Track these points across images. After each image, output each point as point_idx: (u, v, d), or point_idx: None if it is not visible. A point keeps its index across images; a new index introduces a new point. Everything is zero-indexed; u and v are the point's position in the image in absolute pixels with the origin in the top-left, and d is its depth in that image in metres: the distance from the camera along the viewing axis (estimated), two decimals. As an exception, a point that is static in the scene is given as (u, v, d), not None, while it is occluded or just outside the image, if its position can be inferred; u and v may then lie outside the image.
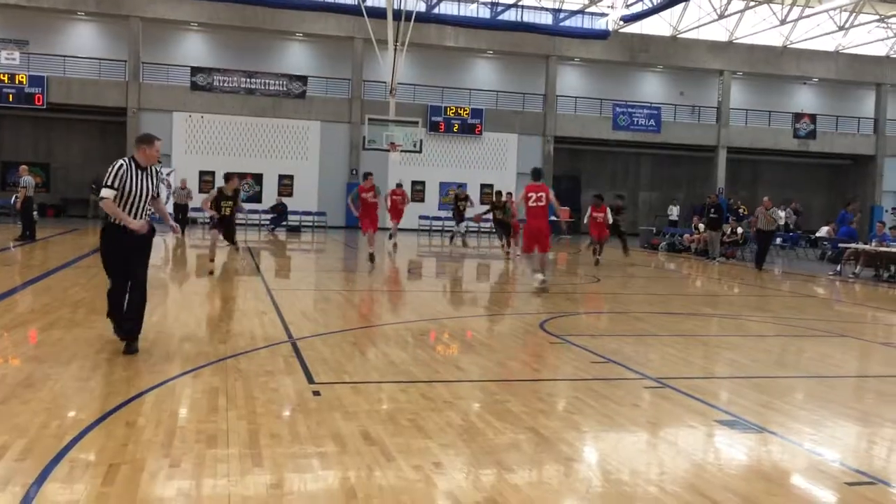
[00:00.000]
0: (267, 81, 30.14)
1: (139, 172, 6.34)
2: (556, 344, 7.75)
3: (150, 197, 6.43)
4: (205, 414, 4.84)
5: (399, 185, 22.32)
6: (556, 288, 12.70)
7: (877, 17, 32.20)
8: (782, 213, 30.45)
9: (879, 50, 34.98)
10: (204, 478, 3.79)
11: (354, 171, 30.83)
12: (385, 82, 26.64)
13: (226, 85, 29.73)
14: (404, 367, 6.43)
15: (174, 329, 7.68)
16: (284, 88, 30.27)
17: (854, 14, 31.86)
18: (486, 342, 7.79)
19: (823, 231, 24.76)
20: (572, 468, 4.20)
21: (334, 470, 4.00)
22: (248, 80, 29.95)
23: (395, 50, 24.80)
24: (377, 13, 25.27)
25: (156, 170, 6.58)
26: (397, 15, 24.42)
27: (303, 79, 30.54)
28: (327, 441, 4.39)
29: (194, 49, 31.44)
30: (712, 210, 21.74)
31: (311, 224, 29.63)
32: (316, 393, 5.45)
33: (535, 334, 8.36)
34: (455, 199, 24.08)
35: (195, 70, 29.66)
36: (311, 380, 5.82)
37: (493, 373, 6.41)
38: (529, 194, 11.82)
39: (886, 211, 34.91)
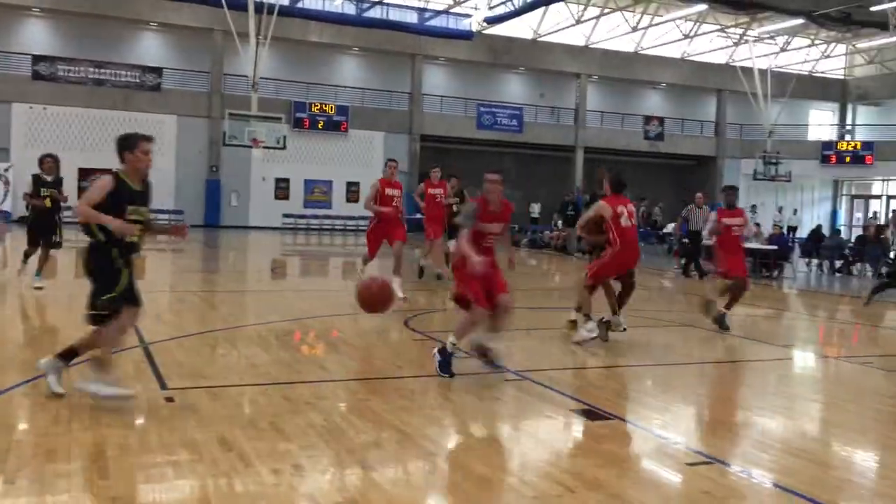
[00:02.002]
0: (118, 72, 28.53)
1: None
2: (419, 341, 7.80)
3: None
4: (44, 426, 4.52)
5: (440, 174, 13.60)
6: (420, 285, 12.81)
7: (718, 27, 34.54)
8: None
9: (721, 58, 37.56)
10: (43, 495, 3.54)
11: (214, 168, 29.80)
12: (247, 76, 25.87)
13: (72, 75, 27.91)
14: (265, 368, 6.27)
15: (10, 335, 7.13)
16: (137, 80, 28.78)
17: (698, 24, 34.04)
18: (351, 341, 7.74)
19: (670, 227, 26.31)
20: (435, 464, 4.24)
21: (188, 479, 3.84)
22: (97, 70, 28.24)
23: (257, 43, 24.15)
24: (238, 5, 24.48)
25: None
26: (259, 7, 23.79)
27: (157, 70, 29.15)
28: (180, 449, 4.20)
29: (37, 36, 29.27)
30: (570, 208, 22.61)
31: (166, 223, 28.35)
32: (169, 399, 5.21)
33: (399, 332, 8.38)
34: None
35: (37, 58, 27.66)
36: (163, 386, 5.56)
37: (356, 372, 6.37)
38: (619, 208, 7.87)
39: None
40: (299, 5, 27.94)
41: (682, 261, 17.76)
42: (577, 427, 5.08)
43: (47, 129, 27.66)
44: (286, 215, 30.41)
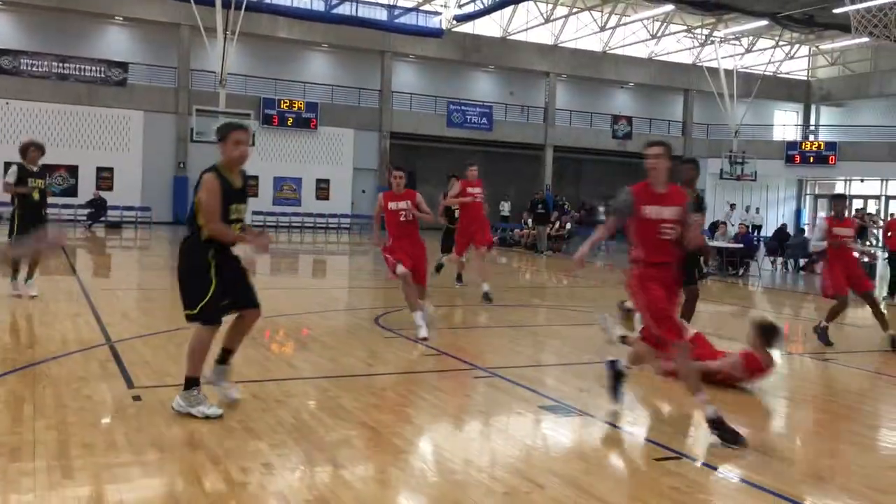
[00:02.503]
0: (82, 67, 28.01)
1: None
2: (390, 338, 7.79)
3: None
4: (8, 425, 4.44)
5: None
6: (392, 283, 12.76)
7: (685, 27, 34.94)
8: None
9: (687, 58, 37.99)
10: (7, 494, 3.48)
11: (182, 164, 29.44)
12: (214, 72, 25.60)
13: (35, 69, 27.36)
14: (235, 366, 6.20)
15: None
16: (102, 75, 28.28)
17: (665, 24, 34.40)
18: (321, 339, 7.70)
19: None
20: (405, 461, 4.24)
21: (156, 478, 3.80)
22: (61, 64, 27.71)
23: (225, 39, 23.92)
24: (205, 0, 24.23)
25: None
26: (227, 2, 23.55)
27: (123, 65, 28.68)
28: (148, 448, 4.16)
29: (0, 29, 28.71)
30: (540, 206, 22.72)
31: (133, 220, 27.96)
32: (136, 398, 5.15)
33: (369, 329, 8.36)
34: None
35: (0, 52, 27.09)
36: (130, 384, 5.49)
37: (327, 369, 6.35)
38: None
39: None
40: (267, 1, 27.69)
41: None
42: (547, 423, 5.11)
43: (10, 124, 27.10)
44: (255, 212, 30.12)
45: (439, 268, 12.44)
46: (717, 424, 4.61)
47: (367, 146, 32.69)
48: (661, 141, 5.21)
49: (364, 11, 30.26)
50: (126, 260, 17.36)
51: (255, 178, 30.58)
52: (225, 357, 5.11)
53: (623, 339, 6.77)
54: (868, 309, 8.61)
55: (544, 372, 6.70)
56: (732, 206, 32.64)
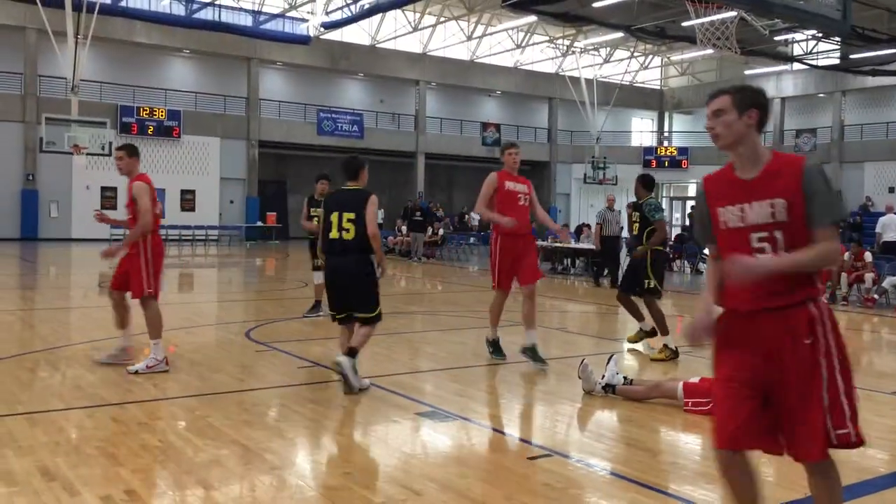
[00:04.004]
0: (-87, 72, 25.74)
1: None
2: (262, 352, 7.58)
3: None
4: None
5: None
6: (263, 295, 12.46)
7: (547, 38, 36.19)
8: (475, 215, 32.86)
9: (550, 68, 39.35)
10: None
11: (31, 177, 27.55)
12: (65, 78, 24.11)
13: None
14: (92, 390, 5.85)
15: None
16: (-62, 80, 26.10)
17: (529, 34, 35.51)
18: (188, 356, 7.38)
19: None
20: (279, 478, 4.12)
21: (3, 515, 3.50)
22: None
23: (77, 44, 22.57)
24: (53, 2, 22.75)
25: None
26: (77, 5, 22.23)
27: (-39, 71, 26.59)
28: (-6, 483, 3.83)
29: None
30: (417, 213, 22.85)
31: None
32: (-19, 429, 4.74)
33: (240, 344, 8.10)
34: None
35: None
36: (-26, 415, 5.05)
37: (195, 387, 6.09)
38: None
39: (559, 211, 39.40)
40: (122, 4, 26.40)
41: (594, 269, 17.00)
42: (423, 430, 5.11)
43: None
44: (114, 226, 28.60)
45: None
46: None
47: (235, 155, 31.78)
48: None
49: (228, 17, 29.42)
50: (-31, 280, 16.03)
51: (114, 189, 29.09)
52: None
53: (610, 388, 5.95)
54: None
55: (421, 378, 6.72)
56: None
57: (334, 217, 5.92)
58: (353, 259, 5.88)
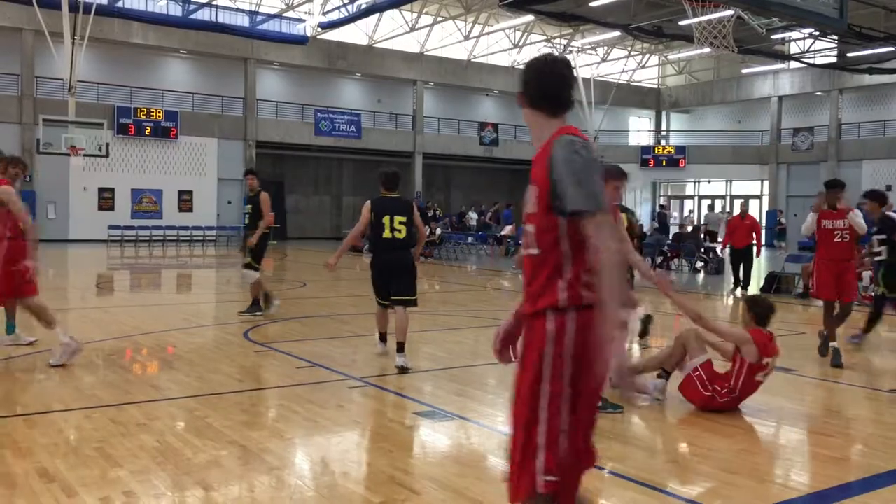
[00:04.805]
0: None
1: None
2: (260, 353, 7.59)
3: None
4: None
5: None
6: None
7: (545, 37, 36.18)
8: (473, 215, 32.90)
9: (547, 67, 39.34)
10: None
11: (28, 178, 27.50)
12: (62, 79, 24.07)
13: None
14: (90, 391, 5.86)
15: None
16: (-66, 82, 26.05)
17: (526, 34, 35.51)
18: (187, 357, 7.38)
19: (507, 230, 27.22)
20: (278, 478, 4.12)
21: (2, 517, 3.51)
22: None
23: (73, 45, 22.54)
24: (50, 3, 22.72)
25: None
26: (74, 6, 22.21)
27: (-42, 72, 26.53)
28: (-7, 485, 3.83)
29: None
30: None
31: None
32: (-21, 431, 4.74)
33: (239, 344, 8.10)
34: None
35: None
36: (-28, 417, 5.06)
37: (193, 388, 6.09)
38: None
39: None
40: (119, 5, 26.36)
41: None
42: (422, 429, 5.12)
43: None
44: (112, 227, 28.58)
45: None
46: None
47: (232, 156, 31.75)
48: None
49: (225, 17, 29.39)
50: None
51: (111, 190, 29.11)
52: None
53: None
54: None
55: (419, 378, 6.72)
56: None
57: (386, 220, 6.90)
58: (404, 254, 6.99)
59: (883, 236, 8.53)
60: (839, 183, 7.97)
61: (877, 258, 8.69)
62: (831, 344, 7.47)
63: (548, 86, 2.51)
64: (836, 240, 7.75)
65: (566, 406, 2.34)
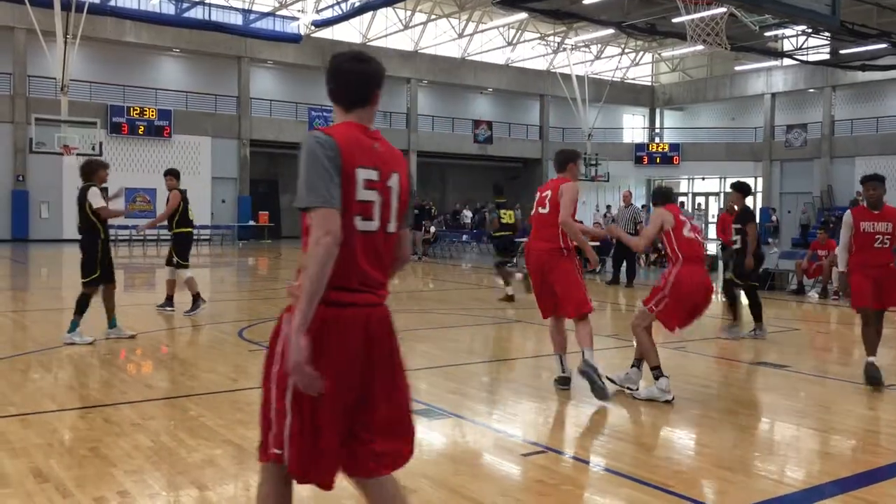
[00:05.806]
0: None
1: None
2: (255, 351, 7.58)
3: None
4: None
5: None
6: (256, 294, 12.43)
7: (538, 35, 36.19)
8: (468, 213, 32.92)
9: (542, 65, 39.37)
10: None
11: (21, 178, 27.43)
12: (55, 78, 24.00)
13: None
14: (85, 391, 5.85)
15: None
16: (-75, 81, 25.94)
17: (520, 31, 35.50)
18: (181, 356, 7.37)
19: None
20: (272, 476, 4.11)
21: (-4, 518, 3.50)
22: None
23: (66, 43, 22.47)
24: (42, 2, 22.64)
25: None
26: (66, 5, 22.13)
27: (-50, 71, 26.43)
28: (-13, 486, 3.82)
29: None
30: (415, 211, 22.89)
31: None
32: (-28, 432, 4.72)
33: (233, 343, 8.09)
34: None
35: None
36: (-34, 417, 5.04)
37: (188, 388, 6.08)
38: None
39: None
40: (111, 3, 26.28)
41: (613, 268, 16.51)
42: (419, 427, 5.10)
43: None
44: (107, 226, 28.48)
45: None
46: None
47: (226, 155, 31.68)
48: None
49: (218, 16, 29.32)
50: (-41, 282, 15.94)
51: (105, 189, 28.94)
52: None
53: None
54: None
55: (415, 376, 6.70)
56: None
57: None
58: None
59: (738, 225, 9.10)
60: (877, 177, 6.66)
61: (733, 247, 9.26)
62: (869, 359, 6.43)
63: (340, 82, 2.72)
64: (876, 245, 6.52)
65: (291, 393, 2.52)
